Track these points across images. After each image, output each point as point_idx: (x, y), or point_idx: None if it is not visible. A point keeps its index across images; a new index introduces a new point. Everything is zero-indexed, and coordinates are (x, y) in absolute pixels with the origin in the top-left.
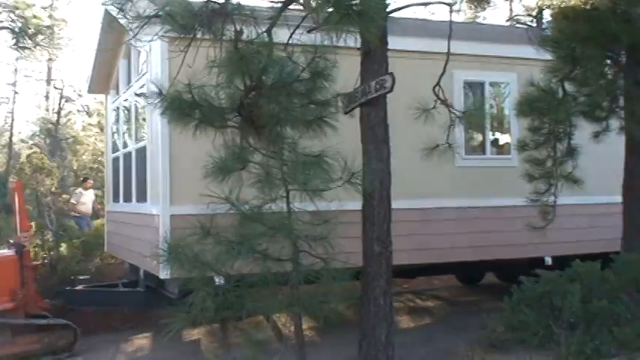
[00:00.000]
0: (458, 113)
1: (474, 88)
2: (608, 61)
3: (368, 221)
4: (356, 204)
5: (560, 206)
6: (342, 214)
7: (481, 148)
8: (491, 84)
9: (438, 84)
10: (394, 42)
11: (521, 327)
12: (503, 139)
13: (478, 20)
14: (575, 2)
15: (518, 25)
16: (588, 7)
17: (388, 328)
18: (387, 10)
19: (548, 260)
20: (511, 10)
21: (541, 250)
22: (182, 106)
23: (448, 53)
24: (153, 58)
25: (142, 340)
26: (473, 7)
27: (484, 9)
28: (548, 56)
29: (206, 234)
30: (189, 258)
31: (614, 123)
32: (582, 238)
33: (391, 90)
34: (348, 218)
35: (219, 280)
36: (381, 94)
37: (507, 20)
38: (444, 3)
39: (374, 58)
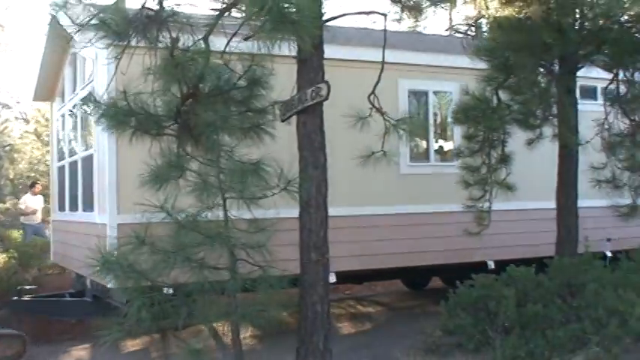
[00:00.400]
0: (392, 121)
1: (419, 96)
2: (541, 70)
3: (305, 229)
4: (293, 211)
5: (501, 212)
6: (280, 222)
7: (425, 156)
8: (435, 93)
9: (372, 92)
10: (335, 51)
11: (458, 331)
12: (447, 146)
13: (419, 29)
14: (510, 12)
15: (457, 35)
16: (522, 17)
17: (325, 335)
18: (324, 18)
19: (491, 264)
20: (451, 19)
21: (484, 254)
22: (118, 114)
23: (382, 62)
24: (99, 65)
25: (80, 352)
26: (410, 16)
27: (416, 18)
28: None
29: (141, 243)
30: (124, 267)
31: (548, 130)
32: (523, 242)
33: (327, 98)
34: (285, 226)
35: (167, 290)
36: (317, 101)
37: (447, 29)
38: (378, 13)
39: (310, 66)
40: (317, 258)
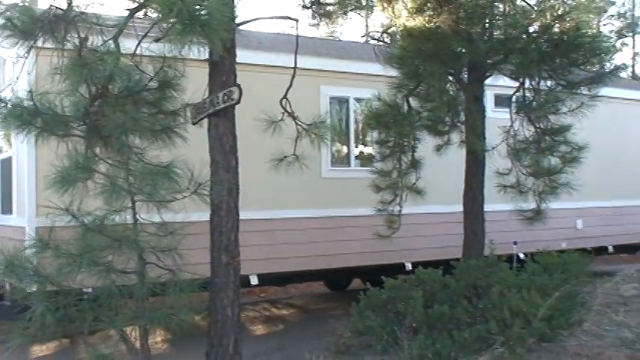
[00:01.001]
0: (304, 126)
1: (341, 103)
2: (450, 78)
3: (216, 232)
4: (204, 214)
5: (418, 215)
6: (191, 225)
7: (346, 160)
8: (356, 99)
9: (285, 97)
10: (251, 56)
11: (367, 332)
12: (367, 151)
13: (335, 35)
14: (419, 21)
15: (372, 42)
16: (432, 26)
17: (236, 338)
18: (237, 22)
19: (409, 266)
20: (367, 26)
21: (402, 256)
22: (23, 114)
23: (295, 67)
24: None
25: None
26: (322, 22)
27: (327, 25)
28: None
29: (45, 246)
30: (27, 270)
31: (456, 137)
32: (439, 245)
33: (239, 101)
34: (196, 229)
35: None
36: (228, 105)
37: (363, 36)
38: (291, 18)
39: (222, 69)
40: (228, 261)
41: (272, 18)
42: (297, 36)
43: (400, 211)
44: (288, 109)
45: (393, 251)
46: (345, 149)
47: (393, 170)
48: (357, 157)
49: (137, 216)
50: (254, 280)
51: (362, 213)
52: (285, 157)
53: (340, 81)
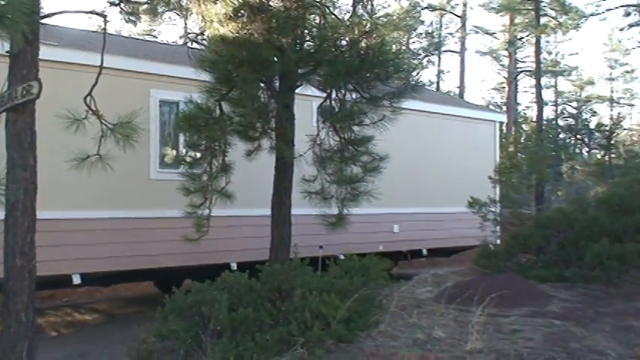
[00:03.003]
0: (110, 125)
1: (171, 106)
2: (262, 85)
3: (10, 232)
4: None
5: (241, 217)
6: None
7: (176, 163)
8: (185, 103)
9: (89, 94)
10: (63, 54)
11: (171, 336)
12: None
13: (153, 34)
14: (233, 27)
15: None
16: (245, 32)
17: (30, 345)
18: (41, 15)
19: (234, 266)
20: (186, 26)
21: (228, 256)
22: None
23: (101, 66)
24: None
25: None
26: (129, 21)
27: (135, 24)
28: None
29: None
30: None
31: (267, 143)
32: (263, 246)
33: (38, 96)
34: None
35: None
36: (27, 100)
37: (180, 37)
38: (97, 14)
39: (23, 62)
40: (22, 264)
41: (78, 12)
42: (105, 33)
43: (209, 214)
44: (93, 107)
45: (219, 252)
46: (174, 152)
47: (203, 173)
48: (167, 160)
49: None
50: (77, 280)
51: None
52: (88, 156)
53: (171, 85)
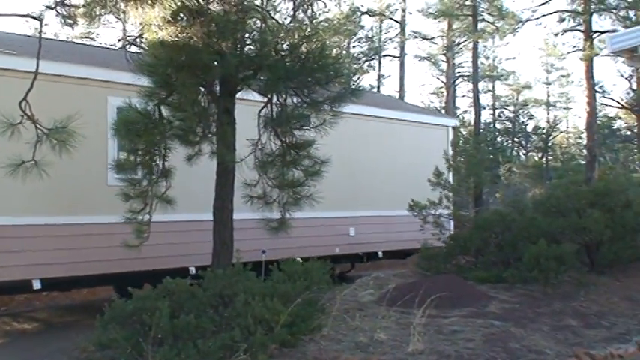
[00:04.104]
0: (45, 130)
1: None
2: (202, 90)
3: None
4: None
5: (202, 222)
6: None
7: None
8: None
9: (24, 99)
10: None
11: (112, 345)
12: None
13: (92, 37)
14: (172, 30)
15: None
16: (184, 36)
17: None
18: None
19: (192, 270)
20: (124, 29)
21: (186, 260)
22: None
23: (36, 71)
24: None
25: None
26: (64, 23)
27: (72, 27)
28: None
29: None
30: None
31: (207, 147)
32: None
33: None
34: None
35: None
36: None
37: (119, 40)
38: (33, 17)
39: None
40: None
41: (12, 15)
42: (40, 37)
43: (150, 219)
44: (28, 111)
45: (177, 256)
46: (132, 157)
47: (143, 179)
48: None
49: None
50: (37, 285)
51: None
52: (23, 162)
53: (128, 93)
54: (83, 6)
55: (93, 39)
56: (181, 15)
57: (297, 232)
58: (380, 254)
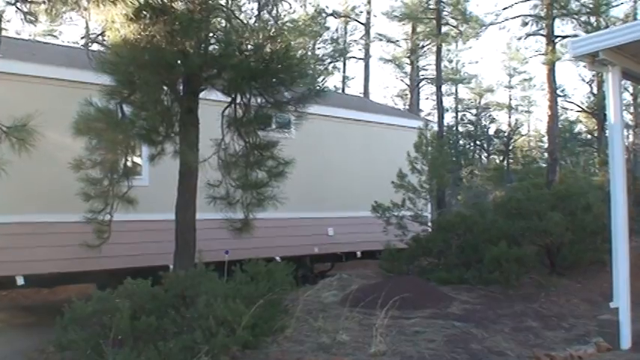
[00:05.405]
0: (4, 128)
1: None
2: (166, 89)
3: None
4: None
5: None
6: None
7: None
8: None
9: None
10: None
11: (71, 347)
12: (136, 160)
13: (54, 34)
14: (135, 28)
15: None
16: (147, 34)
17: None
18: None
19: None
20: (87, 27)
21: (167, 259)
22: None
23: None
24: None
25: None
26: (25, 20)
27: (33, 23)
28: None
29: None
30: None
31: (170, 147)
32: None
33: None
34: None
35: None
36: None
37: (82, 38)
38: None
39: None
40: None
41: None
42: (0, 34)
43: (111, 220)
44: None
45: (158, 254)
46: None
47: (104, 178)
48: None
49: None
50: (20, 281)
51: (130, 218)
52: None
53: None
54: (44, 2)
55: (56, 37)
56: (144, 13)
57: (270, 233)
58: (358, 254)
